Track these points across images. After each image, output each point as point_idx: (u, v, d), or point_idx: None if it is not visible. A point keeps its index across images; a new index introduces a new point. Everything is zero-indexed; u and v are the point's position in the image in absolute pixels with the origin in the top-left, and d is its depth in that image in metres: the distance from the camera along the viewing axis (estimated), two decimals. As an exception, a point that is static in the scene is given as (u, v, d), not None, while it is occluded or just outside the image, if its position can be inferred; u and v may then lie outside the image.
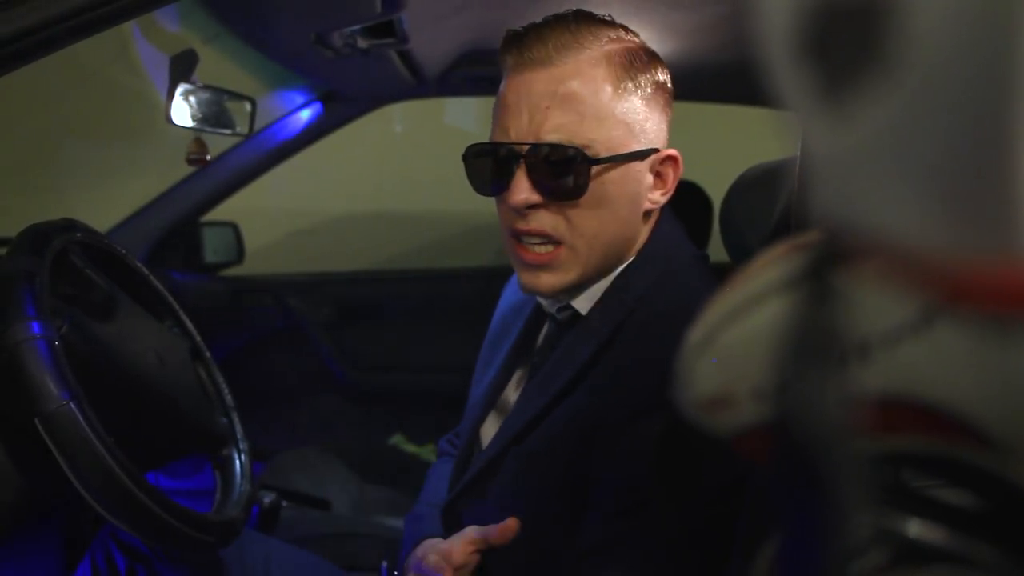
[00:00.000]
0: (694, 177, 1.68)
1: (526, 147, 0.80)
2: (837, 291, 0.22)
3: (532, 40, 0.81)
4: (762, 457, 0.31)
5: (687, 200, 0.92)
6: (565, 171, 0.79)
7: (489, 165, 0.84)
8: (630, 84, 0.82)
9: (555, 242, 0.82)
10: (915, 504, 0.28)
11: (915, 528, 0.28)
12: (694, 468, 0.37)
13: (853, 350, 0.25)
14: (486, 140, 0.86)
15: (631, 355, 0.81)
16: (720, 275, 0.86)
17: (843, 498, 0.21)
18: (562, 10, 0.84)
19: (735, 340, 0.31)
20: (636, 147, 0.83)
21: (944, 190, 0.16)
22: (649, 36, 0.84)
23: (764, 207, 0.85)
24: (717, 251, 0.96)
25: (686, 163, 0.89)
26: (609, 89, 0.80)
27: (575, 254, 0.83)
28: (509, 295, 1.10)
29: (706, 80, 1.51)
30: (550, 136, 0.79)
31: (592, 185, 0.80)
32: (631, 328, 0.82)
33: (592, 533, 0.78)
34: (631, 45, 0.84)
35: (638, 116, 0.82)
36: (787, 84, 0.19)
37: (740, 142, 1.53)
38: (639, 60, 0.83)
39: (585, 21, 0.83)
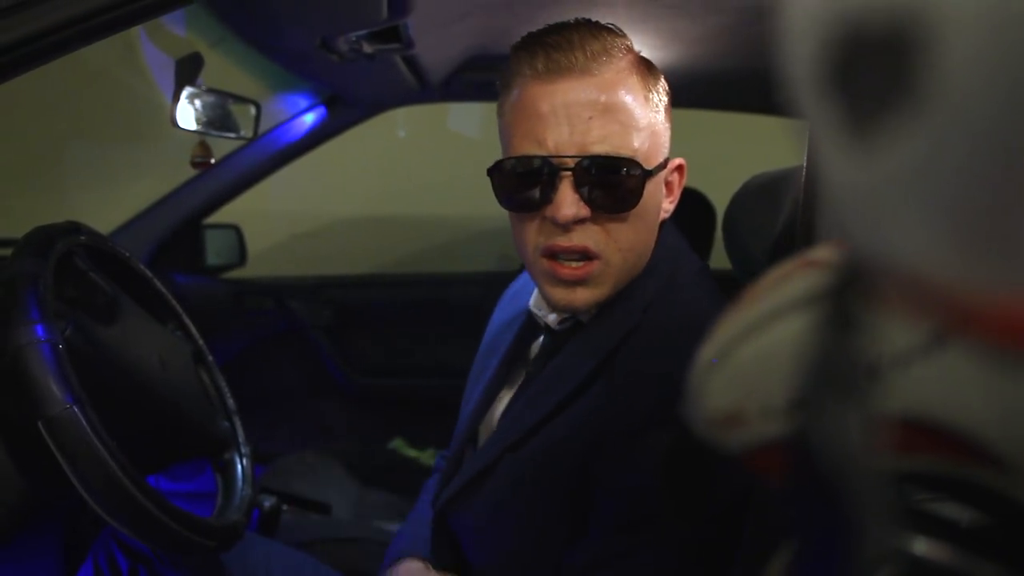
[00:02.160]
0: (695, 183, 1.68)
1: (573, 159, 0.76)
2: (858, 317, 0.22)
3: (562, 46, 0.77)
4: (771, 474, 0.30)
5: (690, 207, 0.92)
6: (618, 182, 0.76)
7: (524, 179, 0.79)
8: (653, 95, 0.81)
9: (590, 257, 0.79)
10: (924, 523, 0.28)
11: (923, 547, 0.28)
12: (701, 484, 0.37)
13: (867, 371, 0.25)
14: (487, 144, 0.84)
15: (637, 367, 0.79)
16: (721, 284, 0.87)
17: (861, 518, 0.21)
18: (569, 17, 0.82)
19: (749, 357, 0.31)
20: (662, 157, 0.83)
21: (967, 225, 0.16)
22: (654, 44, 0.84)
23: (768, 216, 0.84)
24: (720, 259, 0.96)
25: (690, 170, 0.89)
26: (641, 99, 0.79)
27: (609, 268, 0.80)
28: (500, 313, 1.08)
29: (709, 87, 1.52)
30: (596, 147, 0.76)
31: None
32: (637, 340, 0.81)
33: (593, 547, 0.77)
34: (639, 55, 0.83)
35: (659, 126, 0.82)
36: (811, 115, 0.18)
37: (740, 149, 1.53)
38: (653, 70, 0.83)
39: (605, 29, 0.80)
